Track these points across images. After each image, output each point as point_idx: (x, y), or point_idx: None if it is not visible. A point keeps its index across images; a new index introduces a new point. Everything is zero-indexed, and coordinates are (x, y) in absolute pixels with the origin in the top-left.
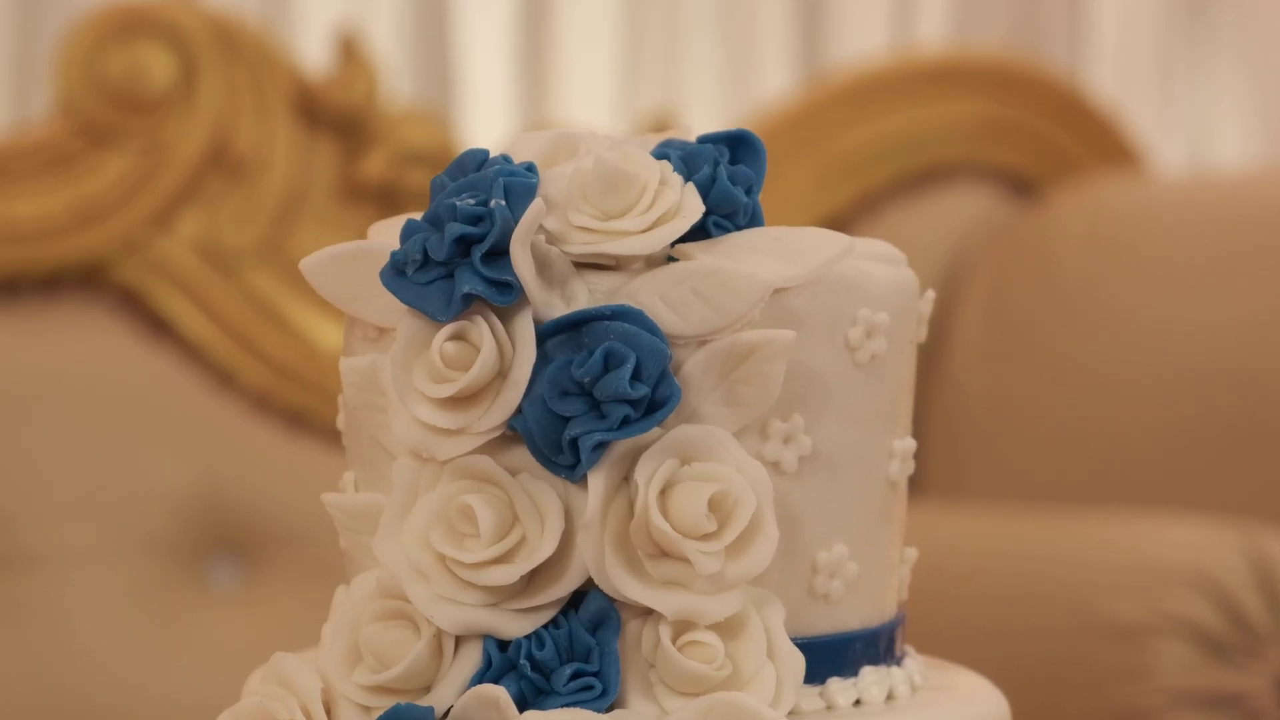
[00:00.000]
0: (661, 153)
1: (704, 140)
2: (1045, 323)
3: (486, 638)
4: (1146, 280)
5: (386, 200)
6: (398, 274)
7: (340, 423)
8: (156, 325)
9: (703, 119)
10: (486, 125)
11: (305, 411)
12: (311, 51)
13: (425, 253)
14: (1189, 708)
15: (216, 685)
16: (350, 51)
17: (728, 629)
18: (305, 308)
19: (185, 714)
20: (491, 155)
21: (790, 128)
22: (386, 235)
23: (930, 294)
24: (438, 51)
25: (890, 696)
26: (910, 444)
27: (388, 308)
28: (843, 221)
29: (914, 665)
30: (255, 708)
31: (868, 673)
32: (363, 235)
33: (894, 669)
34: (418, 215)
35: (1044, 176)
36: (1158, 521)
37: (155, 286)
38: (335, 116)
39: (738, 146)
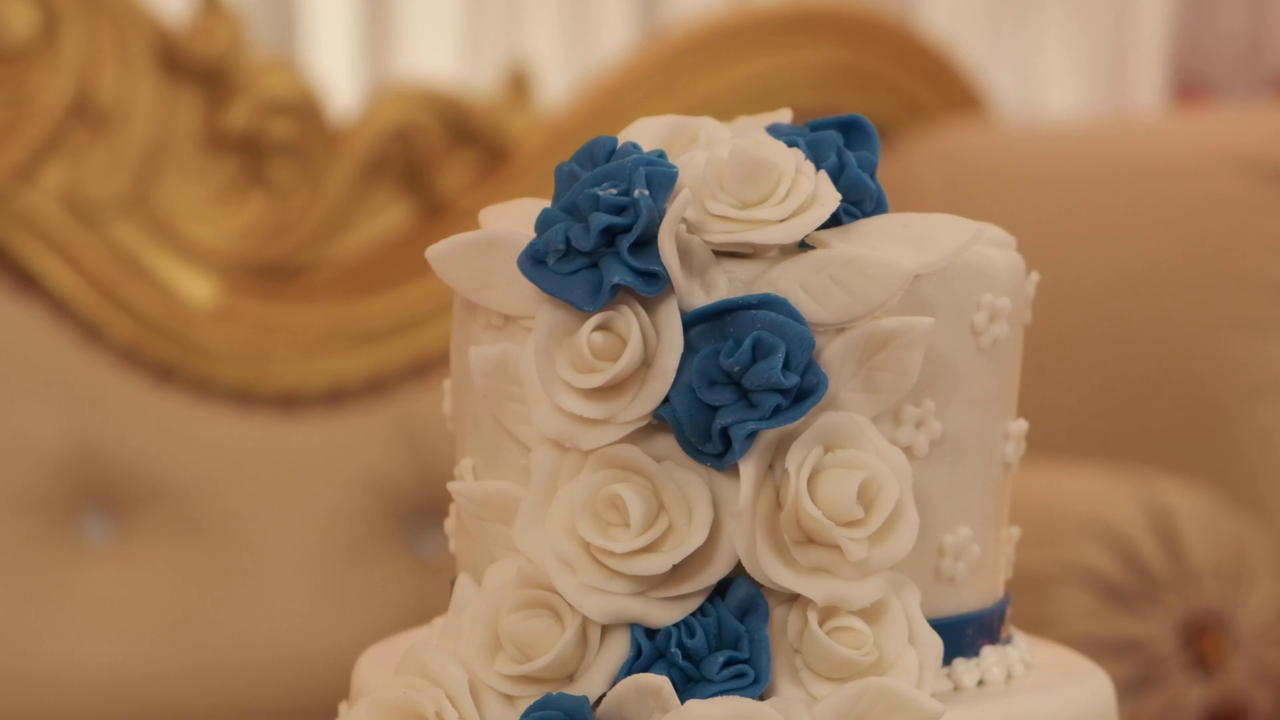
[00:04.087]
0: (790, 140)
1: (815, 126)
2: None
3: (634, 626)
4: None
5: (250, 150)
6: (537, 263)
7: (448, 408)
8: (23, 279)
9: (547, 71)
10: (333, 73)
11: (174, 365)
12: (172, 1)
13: (568, 242)
14: (1092, 654)
15: (90, 640)
16: (211, 1)
17: (871, 614)
18: (170, 260)
19: (59, 669)
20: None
21: (638, 81)
22: (501, 222)
23: (1035, 276)
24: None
25: (1009, 676)
26: (1023, 425)
27: (518, 296)
28: None
29: (1023, 644)
30: (399, 700)
31: (988, 653)
32: (228, 184)
33: (1008, 648)
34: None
35: (896, 122)
36: (1058, 472)
37: (20, 240)
38: (197, 67)
39: (849, 131)
